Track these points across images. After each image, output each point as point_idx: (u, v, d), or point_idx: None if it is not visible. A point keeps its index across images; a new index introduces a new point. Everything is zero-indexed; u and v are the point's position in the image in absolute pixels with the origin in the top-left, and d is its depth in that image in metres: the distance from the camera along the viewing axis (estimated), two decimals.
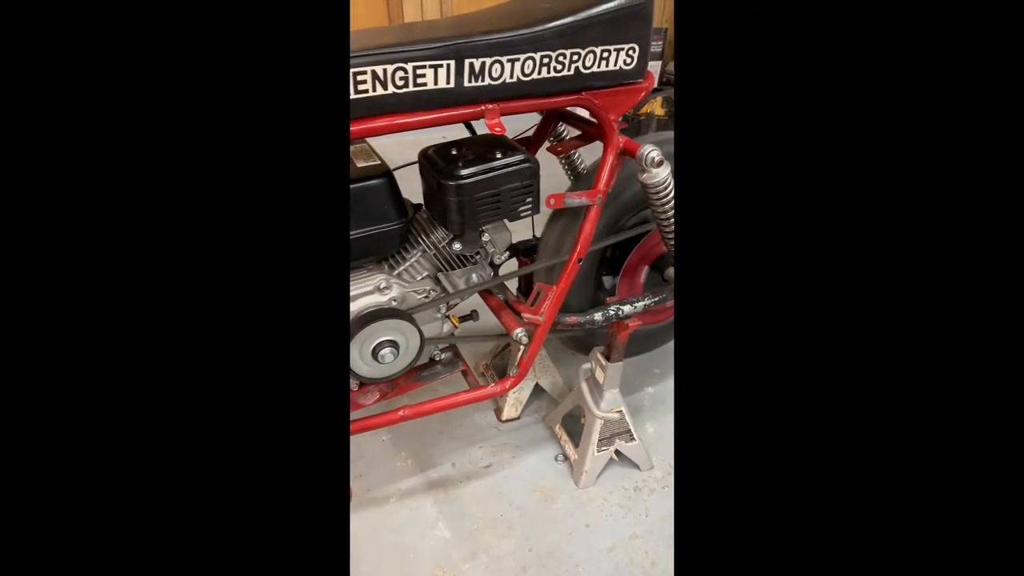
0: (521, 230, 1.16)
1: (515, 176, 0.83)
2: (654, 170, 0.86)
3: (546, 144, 1.08)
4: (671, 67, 3.15)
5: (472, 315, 1.11)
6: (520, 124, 1.07)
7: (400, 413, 0.94)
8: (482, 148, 0.85)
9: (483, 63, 0.72)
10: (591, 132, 0.97)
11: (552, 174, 1.09)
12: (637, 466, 1.17)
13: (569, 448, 1.18)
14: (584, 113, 0.99)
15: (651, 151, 0.85)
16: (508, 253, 1.02)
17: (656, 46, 2.99)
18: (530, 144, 1.08)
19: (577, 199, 0.88)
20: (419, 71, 0.69)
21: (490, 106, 0.76)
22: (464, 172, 0.80)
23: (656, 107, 2.94)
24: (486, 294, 1.06)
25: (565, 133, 1.08)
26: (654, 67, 3.04)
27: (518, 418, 1.27)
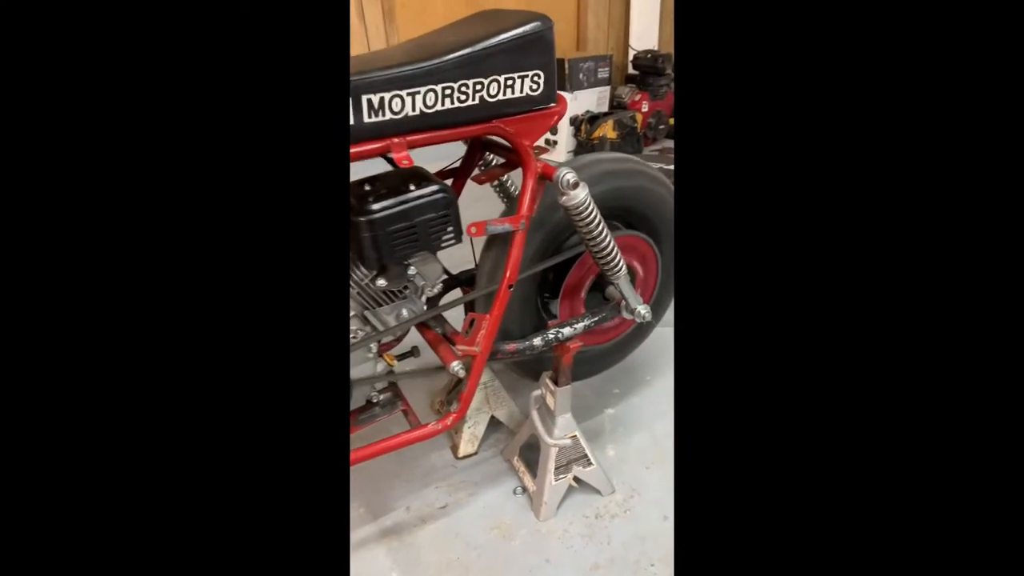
0: (463, 260, 1.15)
1: (429, 207, 0.82)
2: (571, 192, 0.86)
3: (472, 176, 1.08)
4: (619, 91, 3.24)
5: (412, 352, 1.09)
6: (452, 152, 1.07)
7: None
8: (396, 181, 0.84)
9: (382, 98, 0.72)
10: (513, 159, 0.97)
11: (485, 202, 1.07)
12: (598, 491, 1.14)
13: (528, 480, 1.14)
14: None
15: (566, 174, 0.85)
16: (442, 285, 1.00)
17: (604, 72, 3.08)
18: (457, 175, 1.07)
19: (499, 226, 0.87)
20: None
21: (396, 140, 0.76)
22: (375, 207, 0.79)
23: (608, 130, 3.01)
24: (423, 328, 1.04)
25: (494, 161, 1.08)
26: (603, 93, 3.13)
27: (475, 453, 1.24)
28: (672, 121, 3.35)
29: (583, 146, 2.99)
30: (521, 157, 0.88)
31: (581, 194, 0.86)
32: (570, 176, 0.85)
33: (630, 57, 3.35)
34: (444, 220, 0.83)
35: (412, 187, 0.82)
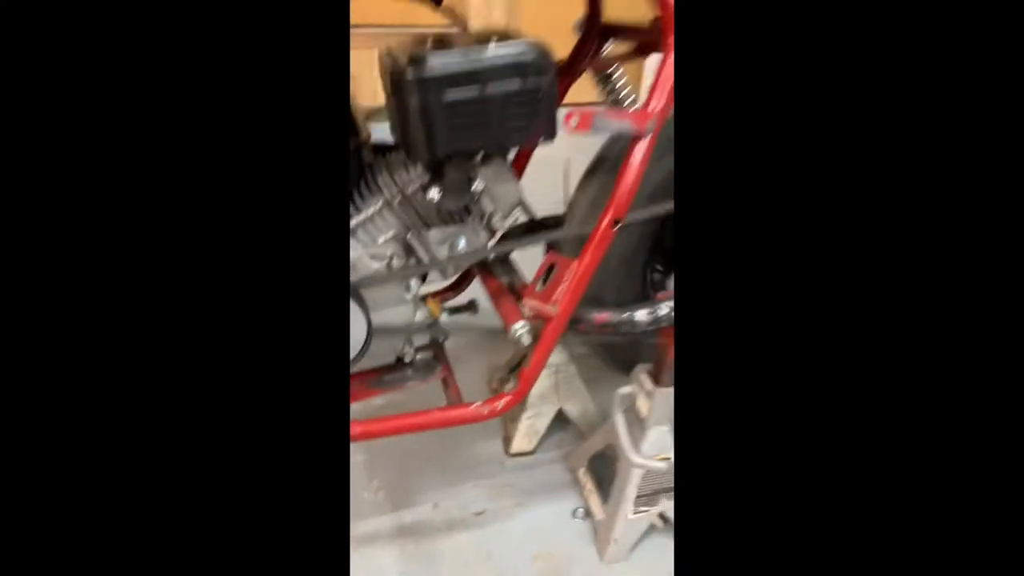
0: (547, 201, 0.89)
1: (512, 71, 0.56)
2: None
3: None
4: None
5: (470, 306, 0.88)
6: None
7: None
8: (472, 38, 0.58)
9: None
10: (648, 41, 0.68)
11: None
12: None
13: (595, 502, 0.91)
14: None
15: None
16: (517, 219, 0.74)
17: None
18: (564, 73, 0.81)
19: (616, 121, 0.59)
20: None
21: None
22: (434, 63, 0.54)
23: None
24: (485, 272, 0.81)
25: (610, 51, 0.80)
26: None
27: (532, 452, 1.02)
28: None
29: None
30: (664, 19, 0.58)
31: None
32: None
33: None
34: (532, 97, 0.57)
35: (491, 43, 0.55)
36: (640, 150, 0.62)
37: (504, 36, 0.60)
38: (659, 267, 0.93)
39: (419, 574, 0.84)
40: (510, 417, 1.02)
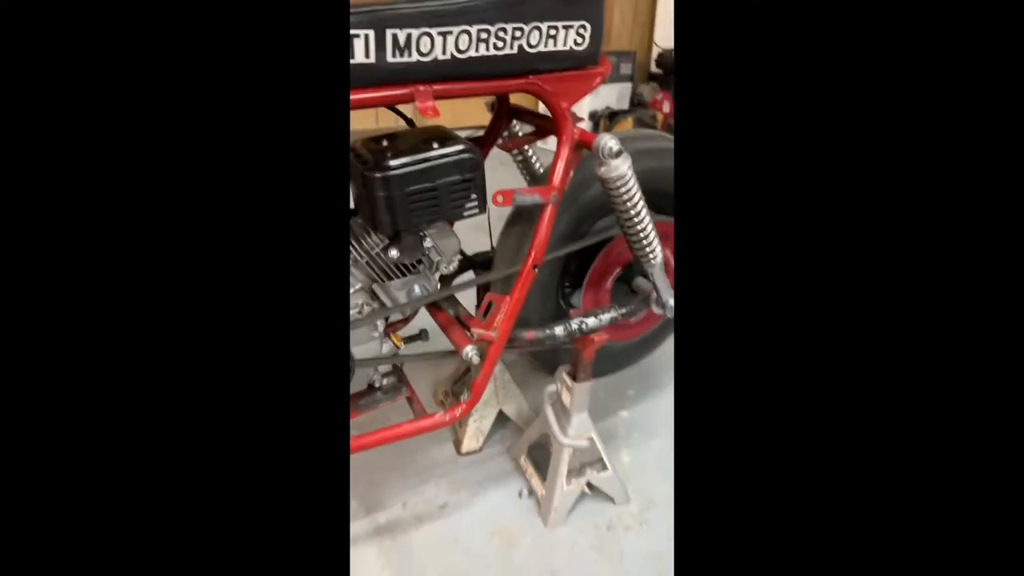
0: (479, 242, 1.06)
1: (453, 168, 0.73)
2: (612, 162, 0.77)
3: (498, 143, 0.99)
4: (641, 89, 3.16)
5: (421, 335, 1.00)
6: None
7: None
8: (417, 139, 0.75)
9: (408, 35, 0.63)
10: (545, 126, 0.88)
11: (508, 184, 0.99)
12: (611, 500, 1.05)
13: (536, 482, 1.06)
14: (540, 108, 0.90)
15: (608, 141, 0.76)
16: (457, 264, 0.91)
17: (626, 68, 3.00)
18: (480, 144, 0.98)
19: (529, 196, 0.78)
20: None
21: (421, 87, 0.66)
22: (393, 163, 0.70)
23: (628, 127, 2.93)
24: (434, 309, 0.95)
25: (519, 132, 0.99)
26: (625, 89, 3.04)
27: (479, 450, 1.15)
28: None
29: None
30: (557, 121, 0.79)
31: (623, 166, 0.77)
32: (612, 144, 0.76)
33: (654, 55, 3.27)
34: (468, 185, 0.74)
35: (435, 144, 0.73)
36: (548, 213, 0.81)
37: (442, 136, 0.78)
38: (567, 284, 1.10)
39: (399, 563, 0.93)
40: (459, 423, 1.13)
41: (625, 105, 3.08)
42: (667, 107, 3.10)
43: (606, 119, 2.89)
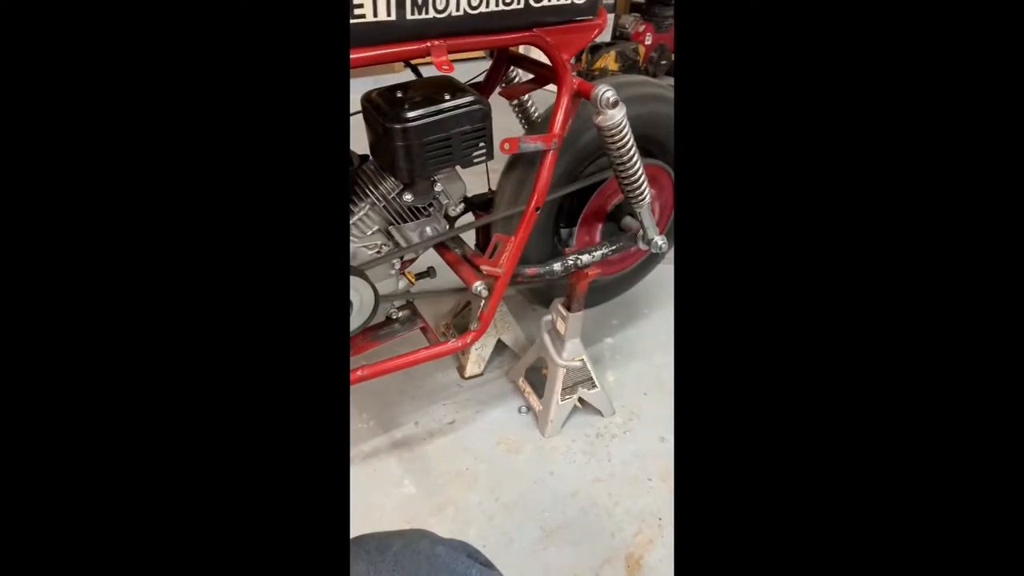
0: (475, 184, 1.13)
1: (465, 119, 0.79)
2: (609, 111, 0.84)
3: (497, 89, 1.04)
4: (623, 20, 3.10)
5: (429, 272, 1.09)
6: (470, 70, 1.02)
7: (358, 373, 0.91)
8: (430, 90, 0.80)
9: None
10: (544, 74, 0.93)
11: (505, 128, 1.04)
12: (600, 413, 1.20)
13: (533, 399, 1.19)
14: (537, 55, 0.95)
15: (606, 91, 0.83)
16: (463, 206, 0.99)
17: None
18: (480, 90, 1.03)
19: (532, 144, 0.85)
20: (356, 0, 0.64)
21: (436, 42, 0.71)
22: (411, 115, 0.76)
23: (610, 61, 2.90)
24: (442, 248, 1.03)
25: (516, 78, 1.04)
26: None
27: (481, 374, 1.27)
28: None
29: (583, 76, 2.89)
30: (557, 71, 0.84)
31: (619, 115, 0.84)
32: (609, 94, 0.83)
33: None
34: (479, 134, 0.81)
35: (447, 96, 0.78)
36: (549, 159, 0.88)
37: (453, 87, 0.83)
38: (562, 224, 1.16)
39: (419, 470, 1.07)
40: (461, 351, 1.24)
41: (607, 38, 3.03)
42: (649, 39, 3.06)
43: (588, 52, 2.86)
